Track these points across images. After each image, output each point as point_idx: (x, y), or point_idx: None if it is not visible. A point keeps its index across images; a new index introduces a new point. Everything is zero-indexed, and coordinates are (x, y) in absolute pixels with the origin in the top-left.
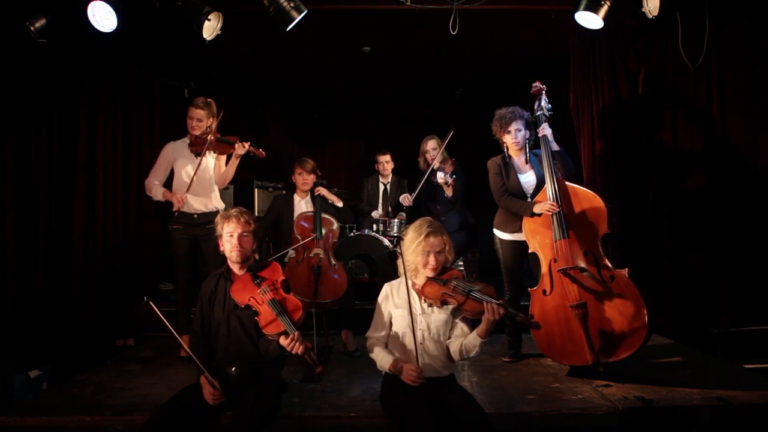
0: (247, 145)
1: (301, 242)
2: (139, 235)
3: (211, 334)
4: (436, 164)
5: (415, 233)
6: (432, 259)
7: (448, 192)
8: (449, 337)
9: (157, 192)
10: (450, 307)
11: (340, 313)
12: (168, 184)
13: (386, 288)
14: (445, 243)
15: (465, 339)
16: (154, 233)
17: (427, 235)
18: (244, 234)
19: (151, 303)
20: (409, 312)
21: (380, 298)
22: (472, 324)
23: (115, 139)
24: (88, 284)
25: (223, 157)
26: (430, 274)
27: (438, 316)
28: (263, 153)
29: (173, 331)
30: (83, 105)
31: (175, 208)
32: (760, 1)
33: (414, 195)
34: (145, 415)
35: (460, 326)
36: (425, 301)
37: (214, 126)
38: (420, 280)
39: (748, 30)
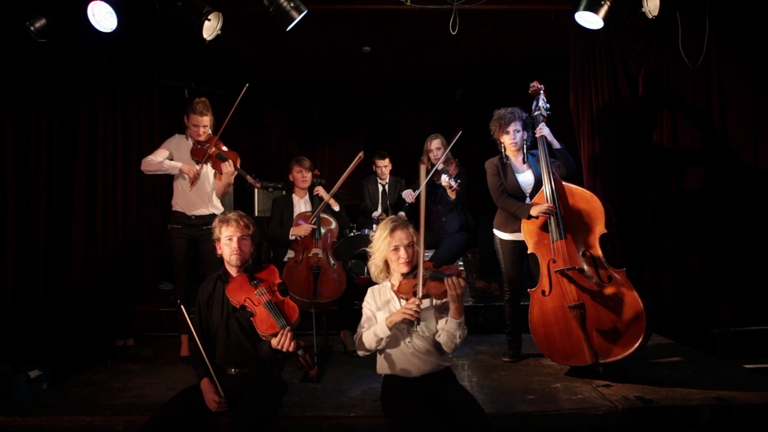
0: (232, 165)
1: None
2: (139, 235)
3: (210, 336)
4: (440, 165)
5: (381, 231)
6: (403, 253)
7: (452, 195)
8: (436, 331)
9: (169, 165)
10: (427, 300)
11: (339, 313)
12: (166, 182)
13: (369, 292)
14: (412, 235)
15: (445, 327)
16: (154, 233)
17: (393, 230)
18: (243, 238)
19: (182, 307)
20: (389, 312)
21: (364, 303)
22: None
23: (116, 138)
24: (88, 284)
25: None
26: (405, 269)
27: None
28: (258, 184)
29: (197, 338)
30: (83, 105)
31: (190, 181)
32: (760, 1)
33: (417, 193)
34: (144, 415)
35: (442, 319)
36: (402, 298)
37: (211, 126)
38: (396, 280)
39: (748, 30)
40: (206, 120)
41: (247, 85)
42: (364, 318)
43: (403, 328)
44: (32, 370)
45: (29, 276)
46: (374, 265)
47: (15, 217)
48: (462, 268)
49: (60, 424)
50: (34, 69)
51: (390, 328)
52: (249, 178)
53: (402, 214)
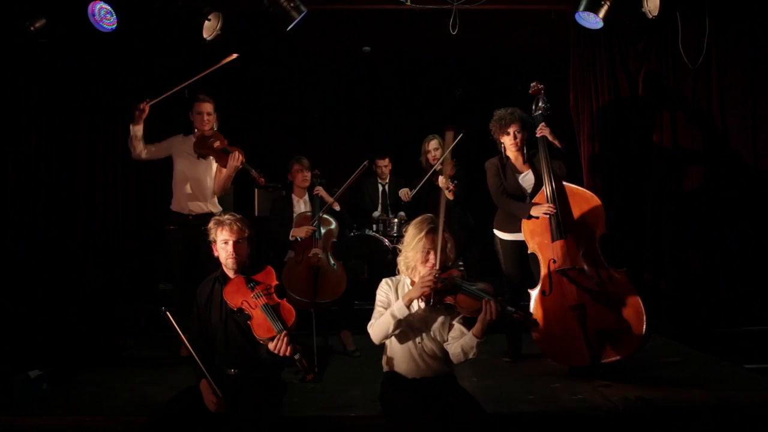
0: (239, 157)
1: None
2: (138, 235)
3: (209, 337)
4: (438, 166)
5: (416, 230)
6: (432, 257)
7: (449, 196)
8: (447, 339)
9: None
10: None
11: (339, 313)
12: (167, 182)
13: (385, 283)
14: (447, 241)
15: (461, 340)
16: (154, 233)
17: (428, 232)
18: (239, 241)
19: (168, 314)
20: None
21: (379, 292)
22: (470, 325)
23: (116, 138)
24: (88, 284)
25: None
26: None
27: (435, 315)
28: (262, 180)
29: (187, 344)
30: (83, 104)
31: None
32: (760, 1)
33: (414, 192)
34: (145, 416)
35: (458, 328)
36: (422, 299)
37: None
38: (417, 278)
39: (748, 30)
40: (209, 107)
41: (235, 55)
42: (376, 311)
43: (416, 327)
44: (32, 370)
45: (29, 276)
46: (404, 263)
47: (15, 218)
48: (462, 269)
49: (60, 424)
50: (34, 69)
51: (408, 307)
52: (253, 172)
53: (402, 214)
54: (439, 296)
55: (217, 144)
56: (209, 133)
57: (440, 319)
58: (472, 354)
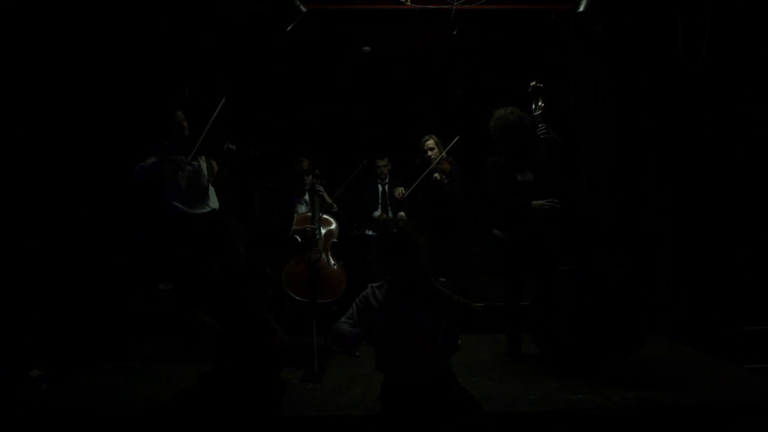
0: (227, 143)
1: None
2: (138, 234)
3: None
4: (434, 165)
5: (387, 235)
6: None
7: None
8: (436, 339)
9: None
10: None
11: (340, 313)
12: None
13: (370, 288)
14: (420, 245)
15: (440, 337)
16: (154, 233)
17: (400, 239)
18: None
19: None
20: (390, 313)
21: (362, 296)
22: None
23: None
24: (88, 284)
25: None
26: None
27: (420, 317)
28: (258, 153)
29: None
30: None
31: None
32: (760, 1)
33: (408, 191)
34: (145, 416)
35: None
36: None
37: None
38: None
39: (749, 29)
40: (182, 114)
41: (224, 99)
42: (351, 312)
43: (405, 329)
44: (32, 370)
45: (29, 275)
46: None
47: (14, 216)
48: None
49: (60, 424)
50: (34, 72)
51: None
52: (246, 150)
53: (402, 214)
54: (420, 299)
55: (199, 141)
56: (189, 136)
57: (427, 320)
58: (453, 350)
